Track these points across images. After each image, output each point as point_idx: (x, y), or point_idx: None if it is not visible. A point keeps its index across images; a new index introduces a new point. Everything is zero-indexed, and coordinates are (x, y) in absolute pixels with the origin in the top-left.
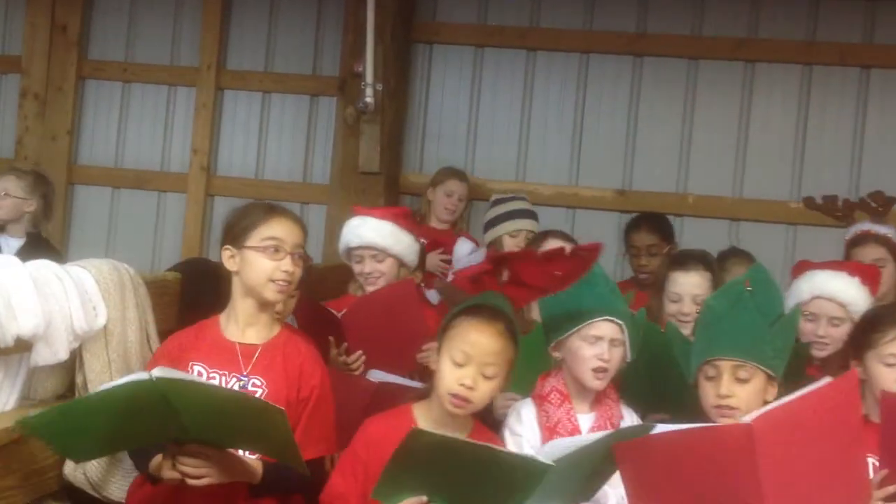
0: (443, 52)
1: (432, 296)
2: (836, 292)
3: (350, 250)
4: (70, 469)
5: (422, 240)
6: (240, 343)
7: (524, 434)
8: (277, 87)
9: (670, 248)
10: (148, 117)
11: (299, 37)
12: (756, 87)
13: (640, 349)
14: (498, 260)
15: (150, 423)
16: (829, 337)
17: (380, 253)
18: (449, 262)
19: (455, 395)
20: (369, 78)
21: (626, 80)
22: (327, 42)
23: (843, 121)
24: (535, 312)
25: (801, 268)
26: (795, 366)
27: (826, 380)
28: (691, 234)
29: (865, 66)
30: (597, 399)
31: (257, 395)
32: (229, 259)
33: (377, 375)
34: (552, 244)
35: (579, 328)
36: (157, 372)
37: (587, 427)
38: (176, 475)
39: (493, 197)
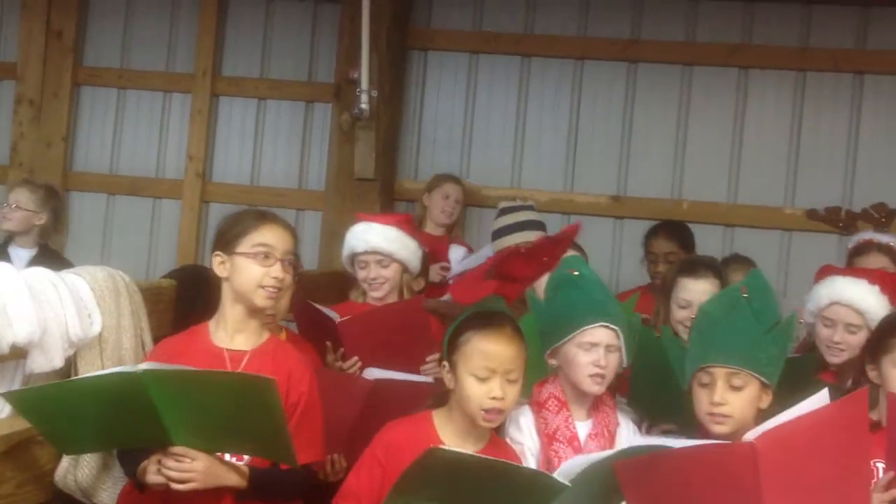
0: (438, 59)
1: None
2: (855, 299)
3: (355, 256)
4: (60, 476)
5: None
6: (228, 349)
7: (525, 442)
8: (273, 94)
9: (682, 259)
10: (143, 123)
11: (295, 43)
12: (750, 93)
13: (638, 355)
14: (485, 272)
15: (133, 424)
16: (844, 343)
17: (385, 258)
18: (448, 269)
19: (486, 410)
20: (364, 84)
21: (621, 86)
22: (323, 48)
23: (837, 126)
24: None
25: (824, 273)
26: (801, 376)
27: (824, 394)
28: None
29: (859, 72)
30: (594, 406)
31: None
32: (220, 265)
33: (373, 373)
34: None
35: (574, 335)
36: (146, 366)
37: (585, 434)
38: (160, 480)
39: (501, 205)
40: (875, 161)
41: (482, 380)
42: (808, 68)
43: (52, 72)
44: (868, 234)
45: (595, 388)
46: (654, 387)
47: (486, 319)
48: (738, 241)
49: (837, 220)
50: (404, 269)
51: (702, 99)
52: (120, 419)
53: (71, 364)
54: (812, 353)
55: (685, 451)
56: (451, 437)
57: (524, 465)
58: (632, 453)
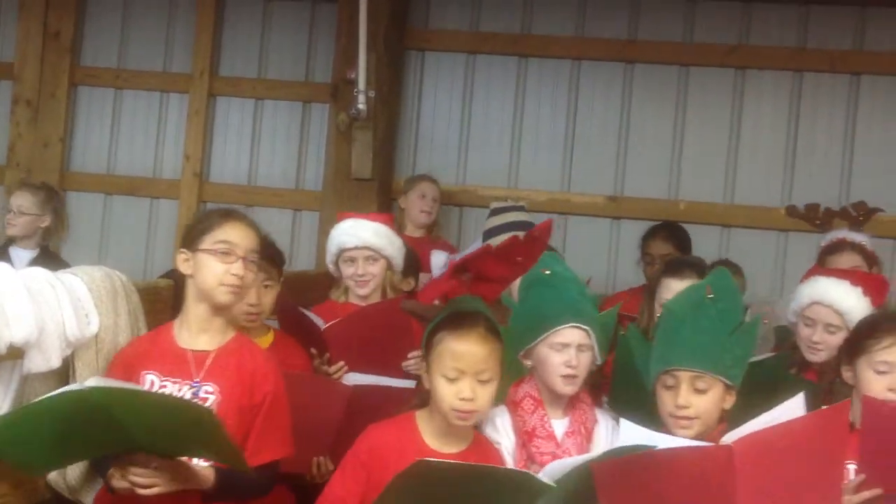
0: (435, 59)
1: None
2: (835, 300)
3: (343, 252)
4: (54, 475)
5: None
6: (192, 350)
7: (501, 441)
8: (270, 94)
9: (668, 259)
10: (140, 124)
11: (292, 43)
12: (747, 93)
13: (617, 357)
14: (458, 268)
15: (96, 434)
16: (823, 343)
17: (375, 254)
18: None
19: (458, 410)
20: (362, 85)
21: (618, 86)
22: (320, 49)
23: (834, 127)
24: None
25: (809, 273)
26: (775, 376)
27: (800, 399)
28: None
29: (856, 73)
30: (570, 404)
31: (209, 402)
32: (184, 262)
33: (353, 378)
34: None
35: (545, 336)
36: (92, 382)
37: (562, 432)
38: (125, 485)
39: (492, 205)
40: (871, 161)
41: (452, 380)
42: (805, 69)
43: (50, 72)
44: (842, 233)
45: (567, 388)
46: (632, 388)
47: (458, 320)
48: (734, 242)
49: (815, 218)
50: (389, 266)
51: (699, 99)
52: (81, 433)
53: (68, 364)
54: (790, 351)
55: (663, 453)
56: (433, 437)
57: (508, 465)
58: (616, 454)
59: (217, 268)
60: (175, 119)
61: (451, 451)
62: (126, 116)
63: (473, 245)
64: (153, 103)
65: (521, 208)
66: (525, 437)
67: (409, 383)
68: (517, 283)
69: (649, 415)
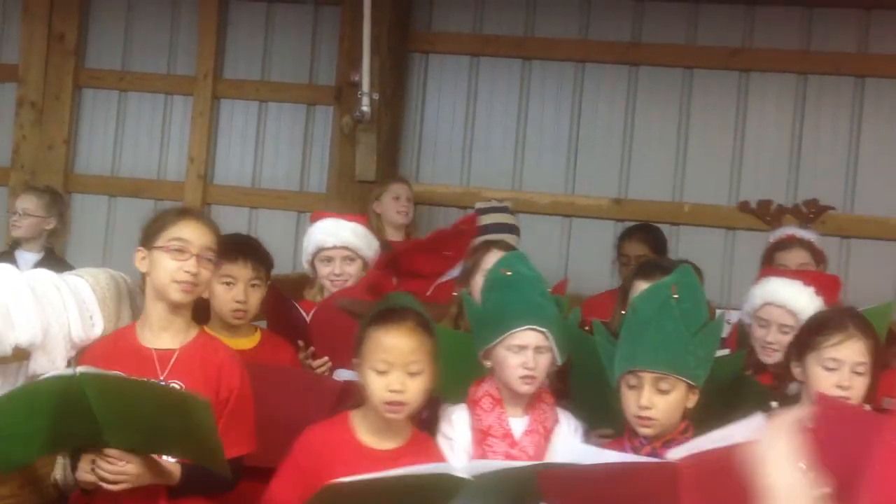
0: (439, 62)
1: None
2: (788, 300)
3: (321, 251)
4: (60, 475)
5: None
6: (156, 349)
7: (455, 438)
8: (274, 96)
9: (641, 261)
10: (145, 126)
11: (296, 46)
12: (751, 96)
13: (576, 359)
14: (387, 262)
15: (69, 426)
16: (777, 343)
17: (352, 254)
18: None
19: (389, 403)
20: (365, 87)
21: (622, 89)
22: (324, 51)
23: (838, 130)
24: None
25: (762, 274)
26: (730, 373)
27: (759, 421)
28: (687, 243)
29: (860, 76)
30: (530, 403)
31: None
32: (140, 260)
33: (344, 375)
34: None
35: (503, 338)
36: (82, 369)
37: (520, 431)
38: (92, 479)
39: (477, 205)
40: (876, 164)
41: (382, 373)
42: (810, 71)
43: (54, 74)
44: (790, 230)
45: (525, 388)
46: (592, 391)
47: (387, 314)
48: (739, 244)
49: (766, 214)
50: (365, 267)
51: (703, 102)
52: (56, 421)
53: (73, 365)
54: (743, 350)
55: (608, 467)
56: (368, 435)
57: (448, 461)
58: (549, 467)
59: (170, 265)
60: (179, 121)
61: (386, 448)
62: (130, 119)
63: None
64: (157, 106)
65: (505, 209)
66: (480, 436)
67: None
68: (479, 283)
69: (610, 413)
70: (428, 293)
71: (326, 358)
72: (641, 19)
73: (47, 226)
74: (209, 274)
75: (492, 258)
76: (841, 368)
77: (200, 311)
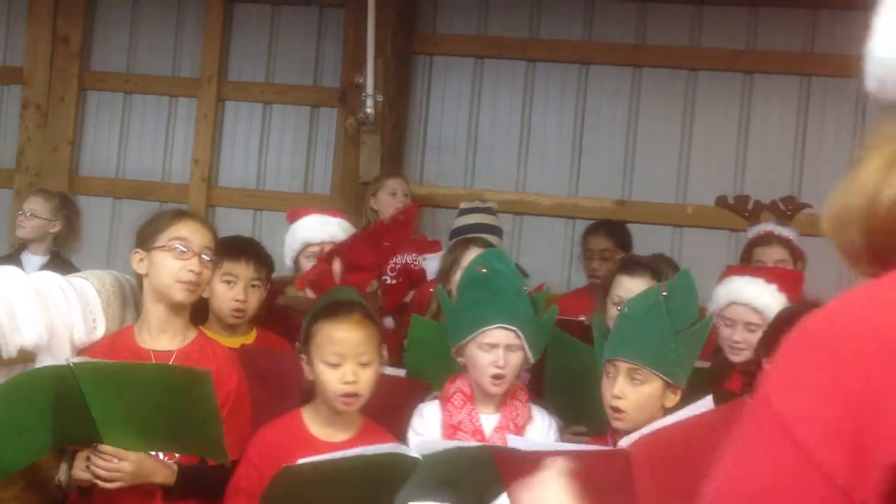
0: (443, 64)
1: None
2: (752, 298)
3: (307, 247)
4: (64, 477)
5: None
6: (154, 350)
7: (424, 432)
8: (278, 98)
9: (623, 257)
10: (149, 128)
11: (300, 48)
12: (755, 97)
13: (552, 357)
14: (328, 257)
15: (64, 421)
16: (744, 342)
17: None
18: None
19: (344, 395)
20: (370, 89)
21: (626, 90)
22: (328, 53)
23: (842, 131)
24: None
25: (724, 273)
26: (706, 385)
27: (708, 401)
28: (691, 244)
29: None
30: (503, 400)
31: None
32: (139, 262)
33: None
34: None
35: (474, 336)
36: (77, 360)
37: (491, 427)
38: (87, 476)
39: (462, 205)
40: None
41: (334, 366)
42: (813, 73)
43: (59, 76)
44: (769, 226)
45: (494, 388)
46: (567, 389)
47: (334, 308)
48: (742, 246)
49: (744, 210)
50: None
51: (706, 104)
52: (51, 418)
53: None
54: (718, 355)
55: (564, 453)
56: (319, 428)
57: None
58: (502, 450)
59: (172, 265)
60: (183, 123)
61: (338, 440)
62: (135, 121)
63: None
64: (162, 108)
65: (488, 210)
66: (450, 431)
67: (398, 371)
68: (457, 279)
69: (586, 411)
70: (408, 299)
71: None
72: (645, 21)
73: (52, 228)
74: (210, 274)
75: (471, 255)
76: None
77: (196, 311)
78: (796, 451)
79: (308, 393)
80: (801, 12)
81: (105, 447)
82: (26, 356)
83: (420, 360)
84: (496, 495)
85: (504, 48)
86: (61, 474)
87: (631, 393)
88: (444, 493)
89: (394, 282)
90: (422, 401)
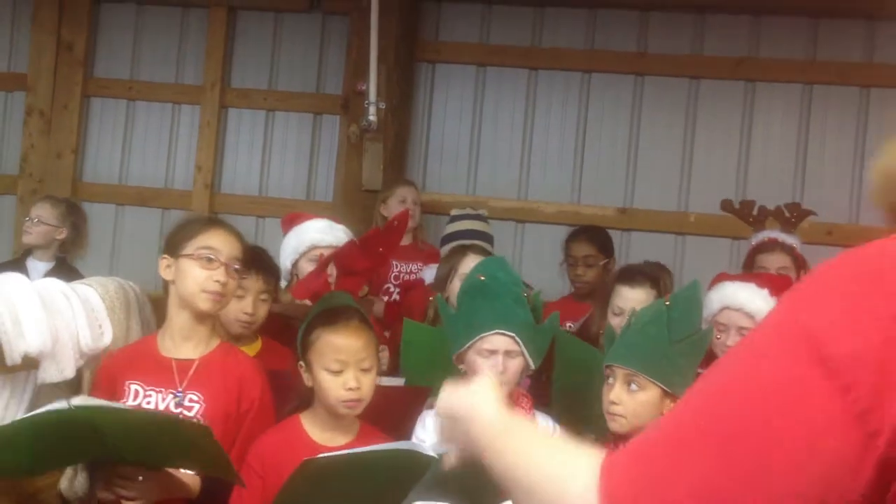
0: (445, 71)
1: None
2: (744, 302)
3: (314, 249)
4: (66, 485)
5: None
6: (175, 359)
7: (426, 439)
8: (281, 106)
9: (607, 262)
10: (152, 135)
11: (303, 55)
12: (757, 105)
13: (558, 365)
14: (324, 265)
15: (80, 446)
16: None
17: None
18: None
19: (346, 401)
20: (372, 96)
21: (628, 98)
22: (331, 61)
23: (844, 139)
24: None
25: (716, 279)
26: None
27: None
28: (693, 252)
29: (865, 86)
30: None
31: (194, 411)
32: (166, 268)
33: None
34: None
35: (474, 342)
36: (77, 401)
37: None
38: (110, 496)
39: (453, 212)
40: None
41: (336, 373)
42: (815, 81)
43: (63, 83)
44: (773, 233)
45: None
46: (572, 397)
47: (333, 315)
48: (745, 254)
49: (748, 215)
50: None
51: (708, 112)
52: (67, 444)
53: (80, 374)
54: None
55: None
56: (319, 433)
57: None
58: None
59: (199, 274)
60: (187, 130)
61: (338, 444)
62: (138, 127)
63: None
64: (165, 115)
65: (479, 216)
66: None
67: (397, 381)
68: (457, 287)
69: (593, 417)
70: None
71: None
72: (647, 30)
73: (58, 235)
74: (236, 284)
75: (469, 262)
76: None
77: None
78: (818, 365)
79: (305, 399)
80: (803, 21)
81: (124, 467)
82: (30, 362)
83: (416, 364)
84: (503, 499)
85: (507, 56)
86: (62, 483)
87: (628, 399)
88: (455, 494)
89: (397, 297)
90: (423, 406)
